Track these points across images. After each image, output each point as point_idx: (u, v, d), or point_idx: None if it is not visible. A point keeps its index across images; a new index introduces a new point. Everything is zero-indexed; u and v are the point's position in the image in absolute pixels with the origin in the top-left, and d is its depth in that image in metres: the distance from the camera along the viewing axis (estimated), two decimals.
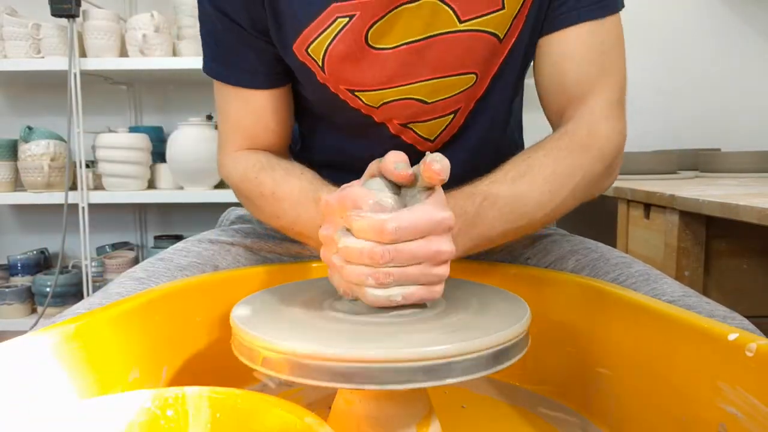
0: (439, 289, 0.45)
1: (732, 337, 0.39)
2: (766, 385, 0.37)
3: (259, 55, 0.68)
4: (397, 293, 0.44)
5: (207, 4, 0.66)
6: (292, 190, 0.65)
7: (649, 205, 1.20)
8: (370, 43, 0.63)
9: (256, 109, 0.71)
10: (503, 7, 0.63)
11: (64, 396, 0.44)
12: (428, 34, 0.63)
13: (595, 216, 1.88)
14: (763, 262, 1.14)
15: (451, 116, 0.69)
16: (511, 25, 0.64)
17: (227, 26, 0.66)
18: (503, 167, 0.61)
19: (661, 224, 1.15)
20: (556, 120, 0.69)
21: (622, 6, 0.67)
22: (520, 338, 0.43)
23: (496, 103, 0.71)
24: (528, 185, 0.59)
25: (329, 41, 0.63)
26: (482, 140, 0.73)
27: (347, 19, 0.61)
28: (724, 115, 2.08)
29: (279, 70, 0.70)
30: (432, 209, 0.44)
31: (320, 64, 0.64)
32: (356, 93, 0.66)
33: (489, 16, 0.63)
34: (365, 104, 0.67)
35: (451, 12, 0.62)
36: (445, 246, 0.44)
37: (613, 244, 1.21)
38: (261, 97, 0.70)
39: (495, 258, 0.75)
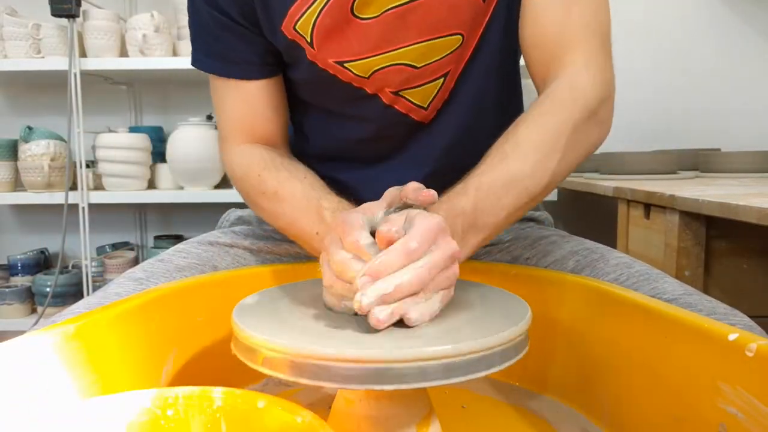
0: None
1: (732, 337, 0.39)
2: (766, 385, 0.37)
3: (249, 46, 0.68)
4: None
5: (201, 2, 0.67)
6: (294, 193, 0.65)
7: (649, 205, 1.20)
8: (356, 13, 0.64)
9: (251, 100, 0.72)
10: None
11: (65, 396, 0.44)
12: None
13: (595, 216, 1.88)
14: (763, 262, 1.14)
15: (442, 80, 0.69)
16: None
17: (217, 19, 0.67)
18: (489, 153, 0.59)
19: (661, 224, 1.15)
20: (542, 85, 0.66)
21: None
22: (520, 339, 0.43)
23: (485, 66, 0.70)
24: (518, 162, 0.57)
25: (316, 15, 0.64)
26: (474, 107, 0.72)
27: None
28: (724, 115, 2.08)
29: (270, 61, 0.71)
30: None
31: (309, 39, 0.65)
32: (345, 65, 0.66)
33: None
34: (356, 75, 0.67)
35: None
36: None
37: (613, 244, 1.21)
38: (255, 88, 0.71)
39: (495, 258, 0.75)
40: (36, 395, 0.42)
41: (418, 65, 0.67)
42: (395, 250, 0.42)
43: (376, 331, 0.43)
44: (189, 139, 1.82)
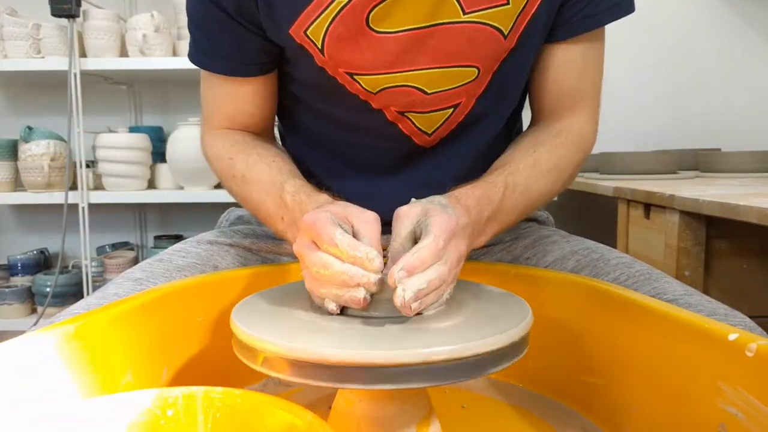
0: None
1: (732, 337, 0.39)
2: (766, 385, 0.37)
3: (241, 43, 0.67)
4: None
5: None
6: (261, 177, 0.66)
7: (649, 205, 1.20)
8: (371, 25, 0.63)
9: (236, 96, 0.72)
10: (508, 3, 0.62)
11: (65, 396, 0.44)
12: (431, 23, 0.62)
13: (595, 216, 1.88)
14: (763, 262, 1.14)
15: (451, 110, 0.69)
16: (515, 21, 0.64)
17: (211, 12, 0.66)
18: (514, 157, 0.67)
19: (661, 224, 1.15)
20: (543, 116, 0.73)
21: (625, 14, 0.69)
22: (521, 339, 0.43)
23: (497, 103, 0.71)
24: (536, 177, 0.65)
25: (328, 22, 0.62)
26: (479, 143, 0.73)
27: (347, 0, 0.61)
28: (724, 115, 2.08)
29: (263, 60, 0.69)
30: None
31: (319, 46, 0.63)
32: (355, 76, 0.65)
33: (493, 10, 0.63)
34: (363, 89, 0.66)
35: (455, 3, 0.62)
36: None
37: (613, 244, 1.21)
38: (241, 85, 0.71)
39: (495, 258, 0.75)
40: (36, 395, 0.42)
41: (429, 91, 0.67)
42: (427, 248, 0.44)
43: (376, 331, 0.43)
44: (189, 139, 1.82)
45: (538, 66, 0.71)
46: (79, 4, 1.78)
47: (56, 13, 1.75)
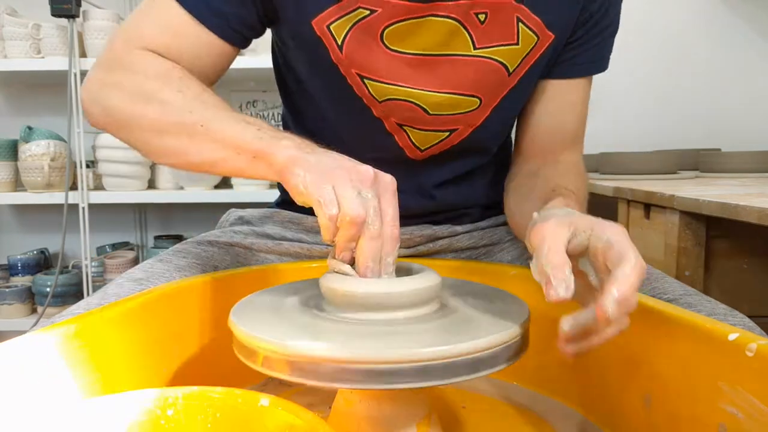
0: None
1: (732, 337, 0.39)
2: (766, 385, 0.37)
3: (240, 9, 0.63)
4: None
5: None
6: (213, 108, 0.56)
7: (649, 205, 1.20)
8: (385, 42, 0.64)
9: (191, 48, 0.62)
10: (518, 43, 0.66)
11: (65, 396, 0.44)
12: (441, 52, 0.65)
13: (595, 216, 1.88)
14: (763, 262, 1.14)
15: (447, 134, 0.71)
16: (521, 61, 0.68)
17: None
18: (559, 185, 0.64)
19: (661, 224, 1.14)
20: (533, 153, 0.76)
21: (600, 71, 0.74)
22: (519, 339, 0.43)
23: (492, 132, 0.74)
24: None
25: (351, 24, 0.63)
26: (467, 166, 0.76)
27: (368, 12, 0.62)
28: (724, 115, 2.08)
29: (244, 34, 0.65)
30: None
31: (339, 43, 0.64)
32: (366, 80, 0.66)
33: (502, 48, 0.66)
34: (370, 94, 0.67)
35: (468, 37, 0.65)
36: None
37: None
38: (203, 41, 0.62)
39: (495, 258, 0.76)
40: (36, 395, 0.42)
41: (431, 112, 0.69)
42: (635, 271, 0.42)
43: (376, 331, 0.43)
44: None
45: (536, 104, 0.74)
46: (79, 4, 1.78)
47: (56, 13, 1.75)
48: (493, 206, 0.82)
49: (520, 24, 0.65)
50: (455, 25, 0.64)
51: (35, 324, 1.86)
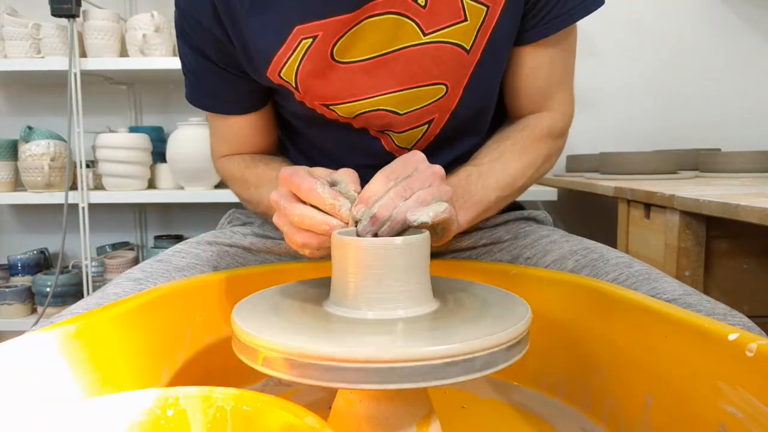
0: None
1: (732, 337, 0.39)
2: (766, 385, 0.37)
3: (232, 87, 0.73)
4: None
5: (183, 45, 0.72)
6: (270, 178, 0.71)
7: (650, 205, 1.20)
8: (336, 58, 0.66)
9: (236, 130, 0.78)
10: (466, 19, 0.64)
11: (65, 396, 0.44)
12: (393, 48, 0.65)
13: (595, 216, 1.88)
14: (763, 262, 1.14)
15: (425, 126, 0.71)
16: (476, 36, 0.66)
17: (201, 63, 0.71)
18: (480, 152, 0.70)
19: (661, 224, 1.15)
20: (515, 116, 0.77)
21: (593, 9, 0.69)
22: (520, 339, 0.43)
23: (471, 114, 0.73)
24: (503, 164, 0.69)
25: (298, 63, 0.66)
26: (458, 152, 0.75)
27: (311, 39, 0.64)
28: (724, 115, 2.08)
29: (253, 98, 0.75)
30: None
31: (294, 85, 0.67)
32: (330, 107, 0.68)
33: (452, 28, 0.65)
34: (340, 116, 0.69)
35: (414, 25, 0.64)
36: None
37: (613, 244, 1.21)
38: (239, 121, 0.77)
39: (495, 258, 0.76)
40: (36, 395, 0.42)
41: (401, 112, 0.69)
42: (376, 178, 0.48)
43: (376, 330, 0.43)
44: (189, 139, 1.82)
45: (509, 70, 0.73)
46: (79, 4, 1.78)
47: (56, 13, 1.75)
48: None
49: None
50: (397, 18, 0.64)
51: (35, 324, 1.86)
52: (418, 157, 0.51)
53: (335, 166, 0.75)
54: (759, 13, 2.06)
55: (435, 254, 0.77)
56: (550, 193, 1.80)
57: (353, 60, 0.66)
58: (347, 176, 0.51)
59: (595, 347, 0.54)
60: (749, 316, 0.55)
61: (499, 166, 0.68)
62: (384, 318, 0.45)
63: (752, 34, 2.07)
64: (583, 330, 0.56)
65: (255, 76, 0.70)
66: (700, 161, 1.64)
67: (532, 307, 0.48)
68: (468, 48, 0.66)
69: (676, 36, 2.07)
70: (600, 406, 0.54)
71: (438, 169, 0.51)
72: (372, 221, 0.47)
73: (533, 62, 0.71)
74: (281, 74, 0.67)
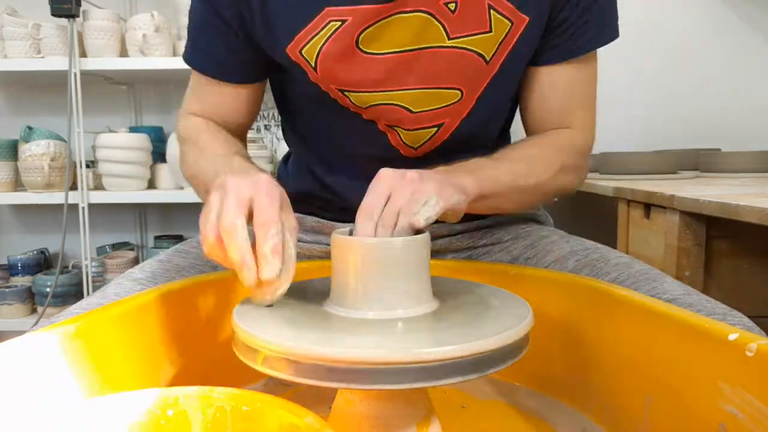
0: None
1: (732, 337, 0.39)
2: (766, 385, 0.37)
3: (234, 52, 0.71)
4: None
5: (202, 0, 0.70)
6: (218, 151, 0.69)
7: (650, 205, 1.20)
8: (361, 46, 0.66)
9: (219, 98, 0.76)
10: (491, 30, 0.66)
11: (65, 396, 0.44)
12: (417, 46, 0.66)
13: (595, 216, 1.88)
14: (763, 262, 1.14)
15: (435, 129, 0.71)
16: (497, 48, 0.67)
17: (209, 19, 0.70)
18: (495, 152, 0.69)
19: (661, 224, 1.14)
20: (536, 133, 0.76)
21: (609, 41, 0.71)
22: (521, 339, 0.43)
23: (481, 124, 0.73)
24: (518, 156, 0.69)
25: (322, 43, 0.65)
26: (462, 159, 0.74)
27: (340, 23, 0.64)
28: (724, 115, 2.08)
29: (252, 71, 0.74)
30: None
31: (313, 65, 0.67)
32: (346, 93, 0.68)
33: (477, 37, 0.66)
34: (353, 104, 0.69)
35: (441, 28, 0.65)
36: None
37: (613, 244, 1.21)
38: (225, 90, 0.75)
39: (495, 258, 0.76)
40: (36, 395, 0.42)
41: (414, 110, 0.69)
42: (359, 220, 0.49)
43: (376, 331, 0.43)
44: None
45: (526, 87, 0.74)
46: (79, 4, 1.77)
47: (56, 13, 1.75)
48: None
49: (492, 11, 0.65)
50: (426, 17, 0.64)
51: (35, 324, 1.86)
52: (385, 175, 0.51)
53: (337, 151, 0.77)
54: (759, 13, 2.06)
55: (435, 254, 0.77)
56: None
57: (377, 52, 0.66)
58: (292, 225, 0.50)
59: (595, 347, 0.54)
60: (749, 316, 0.55)
61: (513, 156, 0.68)
62: (384, 318, 0.45)
63: (752, 34, 2.07)
64: (583, 330, 0.56)
65: (270, 49, 0.69)
66: (700, 161, 1.64)
67: (532, 307, 0.48)
68: (488, 59, 0.67)
69: (676, 36, 2.07)
70: (600, 406, 0.54)
71: (410, 175, 0.51)
72: (380, 230, 0.48)
73: (553, 81, 0.72)
74: (302, 51, 0.67)
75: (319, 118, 0.76)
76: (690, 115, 2.08)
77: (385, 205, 0.49)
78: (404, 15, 0.64)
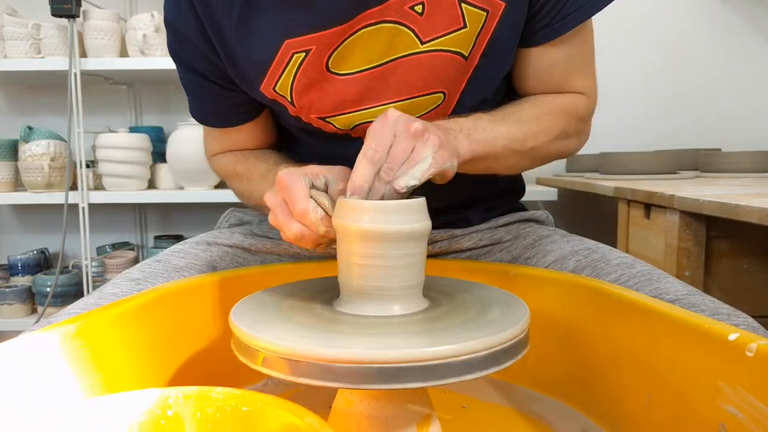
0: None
1: (732, 337, 0.39)
2: (766, 385, 0.36)
3: (225, 100, 0.73)
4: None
5: (176, 63, 0.73)
6: (260, 171, 0.73)
7: (650, 205, 1.20)
8: (332, 69, 0.65)
9: (231, 140, 0.79)
10: (465, 26, 0.62)
11: (65, 396, 0.44)
12: (390, 58, 0.64)
13: (595, 216, 1.88)
14: (763, 262, 1.14)
15: None
16: (475, 42, 0.64)
17: (190, 76, 0.72)
18: (494, 109, 0.66)
19: (661, 224, 1.15)
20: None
21: (600, 8, 0.67)
22: (519, 339, 0.43)
23: (470, 112, 0.71)
24: (516, 119, 0.65)
25: (292, 77, 0.65)
26: None
27: (304, 53, 0.63)
28: (725, 115, 2.08)
29: (248, 110, 0.75)
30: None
31: (289, 99, 0.67)
32: (327, 120, 0.68)
33: (451, 35, 0.63)
34: (338, 128, 0.68)
35: (411, 33, 0.62)
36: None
37: (614, 244, 1.21)
38: (233, 132, 0.77)
39: (495, 258, 0.76)
40: (36, 395, 0.42)
41: None
42: (360, 164, 0.48)
43: (376, 331, 0.43)
44: (189, 139, 1.82)
45: (521, 70, 0.71)
46: (79, 4, 1.77)
47: (56, 13, 1.75)
48: (493, 208, 0.81)
49: (463, 4, 0.61)
50: (393, 27, 0.62)
51: (35, 324, 1.85)
52: (392, 119, 0.50)
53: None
54: (759, 13, 2.06)
55: (435, 254, 0.77)
56: (550, 193, 1.80)
57: (349, 72, 0.65)
58: (339, 174, 0.52)
59: (595, 347, 0.54)
60: (750, 316, 0.55)
61: (512, 119, 0.65)
62: (382, 316, 0.46)
63: (752, 34, 2.07)
64: (583, 330, 0.56)
65: (248, 90, 0.70)
66: (701, 161, 1.64)
67: (532, 308, 0.48)
68: (467, 55, 0.65)
69: (676, 36, 2.07)
70: (600, 406, 0.54)
71: (415, 126, 0.49)
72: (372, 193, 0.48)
73: (549, 60, 0.69)
74: (276, 89, 0.66)
75: (310, 142, 0.76)
76: (690, 115, 2.08)
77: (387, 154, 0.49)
78: (370, 29, 0.62)
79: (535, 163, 0.70)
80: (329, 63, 0.64)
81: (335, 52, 0.63)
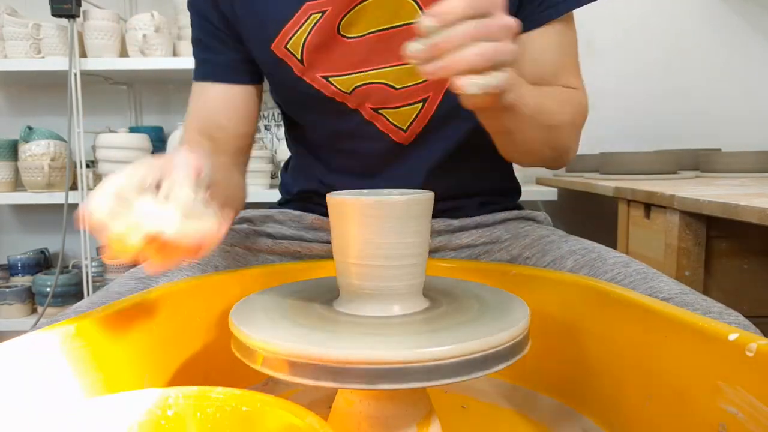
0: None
1: (732, 337, 0.39)
2: (766, 385, 0.37)
3: (227, 52, 0.76)
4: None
5: (193, 13, 0.77)
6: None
7: (650, 205, 1.20)
8: (341, 32, 0.70)
9: (210, 104, 0.78)
10: None
11: (65, 396, 0.44)
12: (392, 24, 0.70)
13: (595, 216, 1.88)
14: (763, 262, 1.14)
15: (420, 104, 0.72)
16: None
17: (201, 25, 0.76)
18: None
19: (661, 224, 1.15)
20: None
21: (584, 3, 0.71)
22: (519, 339, 0.43)
23: None
24: (548, 93, 0.67)
25: (306, 35, 0.70)
26: (453, 135, 0.75)
27: (320, 14, 0.69)
28: (725, 115, 2.08)
29: (244, 69, 0.77)
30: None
31: (299, 57, 0.71)
32: (330, 79, 0.71)
33: None
34: (338, 90, 0.72)
35: (414, 4, 0.69)
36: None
37: (614, 244, 1.21)
38: (216, 91, 0.77)
39: (495, 257, 0.76)
40: (37, 395, 0.42)
41: (397, 86, 0.71)
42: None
43: (375, 331, 0.43)
44: None
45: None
46: (79, 4, 1.77)
47: (56, 13, 1.75)
48: (490, 203, 0.81)
49: None
50: None
51: (35, 324, 1.86)
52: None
53: (331, 149, 0.79)
54: (759, 12, 2.06)
55: (434, 252, 0.77)
56: (550, 193, 1.80)
57: (357, 35, 0.70)
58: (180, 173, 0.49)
59: (595, 347, 0.54)
60: (750, 316, 0.55)
61: (546, 90, 0.68)
62: (382, 316, 0.46)
63: (752, 34, 2.07)
64: (582, 330, 0.56)
65: (256, 49, 0.73)
66: (700, 161, 1.64)
67: (532, 307, 0.48)
68: None
69: (676, 36, 2.07)
70: (600, 406, 0.54)
71: (513, 23, 0.47)
72: (431, 48, 0.44)
73: (544, 43, 0.72)
74: (288, 46, 0.71)
75: (308, 118, 0.78)
76: (690, 115, 2.08)
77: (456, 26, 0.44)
78: None
79: (538, 150, 0.69)
80: (340, 26, 0.70)
81: (346, 16, 0.69)
